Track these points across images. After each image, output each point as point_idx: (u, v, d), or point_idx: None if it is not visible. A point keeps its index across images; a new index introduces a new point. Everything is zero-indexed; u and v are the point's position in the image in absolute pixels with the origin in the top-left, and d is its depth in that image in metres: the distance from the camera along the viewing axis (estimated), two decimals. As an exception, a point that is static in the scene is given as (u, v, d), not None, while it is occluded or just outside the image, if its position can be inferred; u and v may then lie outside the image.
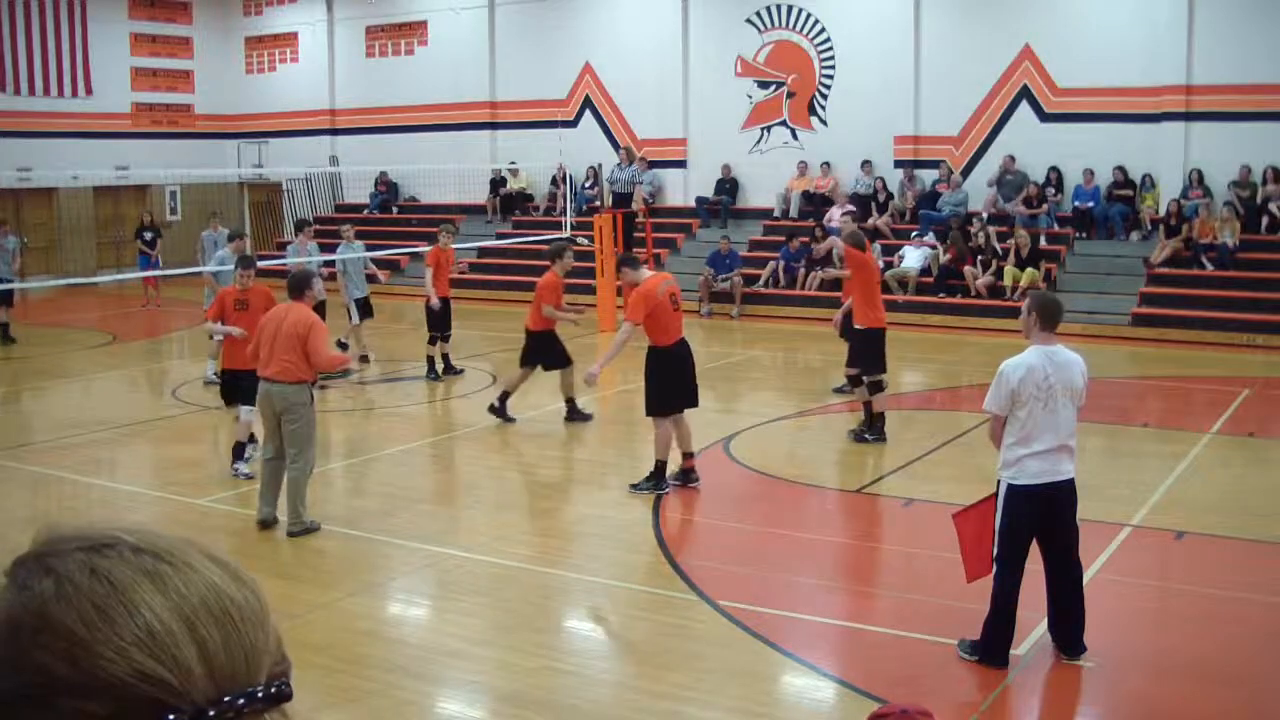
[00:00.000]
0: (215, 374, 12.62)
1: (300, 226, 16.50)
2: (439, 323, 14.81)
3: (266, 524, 8.84)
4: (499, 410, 12.33)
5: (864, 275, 11.38)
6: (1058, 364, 6.27)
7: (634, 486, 9.78)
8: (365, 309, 15.87)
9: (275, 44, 29.97)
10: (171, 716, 0.86)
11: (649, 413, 9.84)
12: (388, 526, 8.99)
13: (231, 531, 9.04)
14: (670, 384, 9.77)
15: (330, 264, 16.34)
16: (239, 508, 9.59)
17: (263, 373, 8.71)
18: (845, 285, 11.78)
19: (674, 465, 9.92)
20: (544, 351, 12.38)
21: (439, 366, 14.98)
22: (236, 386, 10.31)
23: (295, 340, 8.55)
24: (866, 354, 11.41)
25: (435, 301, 14.69)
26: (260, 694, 0.90)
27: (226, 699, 0.88)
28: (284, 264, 15.98)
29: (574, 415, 12.33)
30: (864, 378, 11.46)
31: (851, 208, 21.62)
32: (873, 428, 11.39)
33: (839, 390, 13.28)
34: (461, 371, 15.20)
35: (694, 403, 9.99)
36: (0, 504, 9.82)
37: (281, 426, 8.70)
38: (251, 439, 10.24)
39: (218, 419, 10.60)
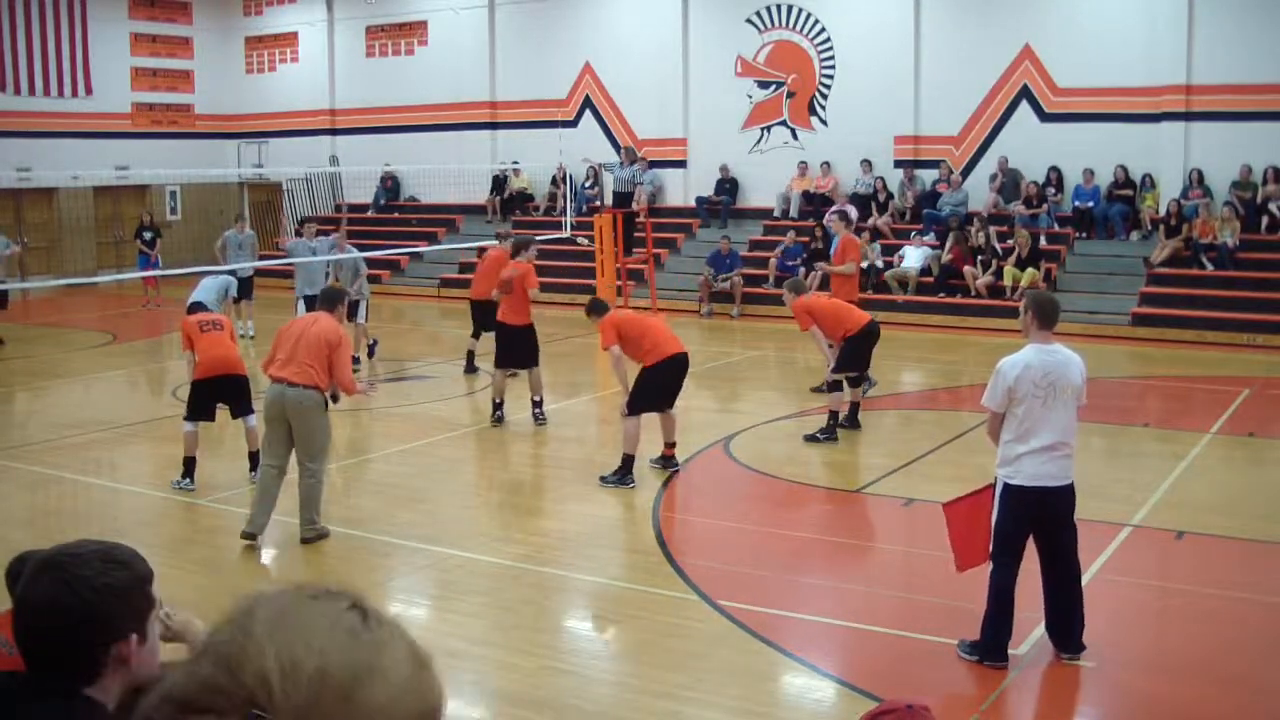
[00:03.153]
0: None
1: (304, 223, 16.59)
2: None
3: (252, 536, 8.45)
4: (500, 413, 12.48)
5: (819, 319, 11.54)
6: (1056, 362, 6.28)
7: (603, 479, 10.02)
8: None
9: (275, 44, 29.97)
10: None
11: (624, 412, 10.09)
12: (388, 526, 8.99)
13: (231, 533, 9.02)
14: (651, 392, 10.16)
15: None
16: (241, 508, 9.59)
17: (278, 374, 8.24)
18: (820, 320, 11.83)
19: (656, 451, 10.47)
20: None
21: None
22: (210, 400, 9.87)
23: (322, 347, 8.21)
24: (841, 356, 11.62)
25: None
26: None
27: None
28: (290, 263, 15.98)
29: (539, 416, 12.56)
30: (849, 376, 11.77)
31: (850, 206, 21.67)
32: (827, 427, 11.57)
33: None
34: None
35: (669, 405, 10.37)
36: (0, 504, 9.82)
37: (294, 434, 8.28)
38: (186, 473, 9.98)
39: (218, 419, 10.58)
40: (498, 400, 12.47)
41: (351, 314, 16.06)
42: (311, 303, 14.97)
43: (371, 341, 16.57)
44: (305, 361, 8.17)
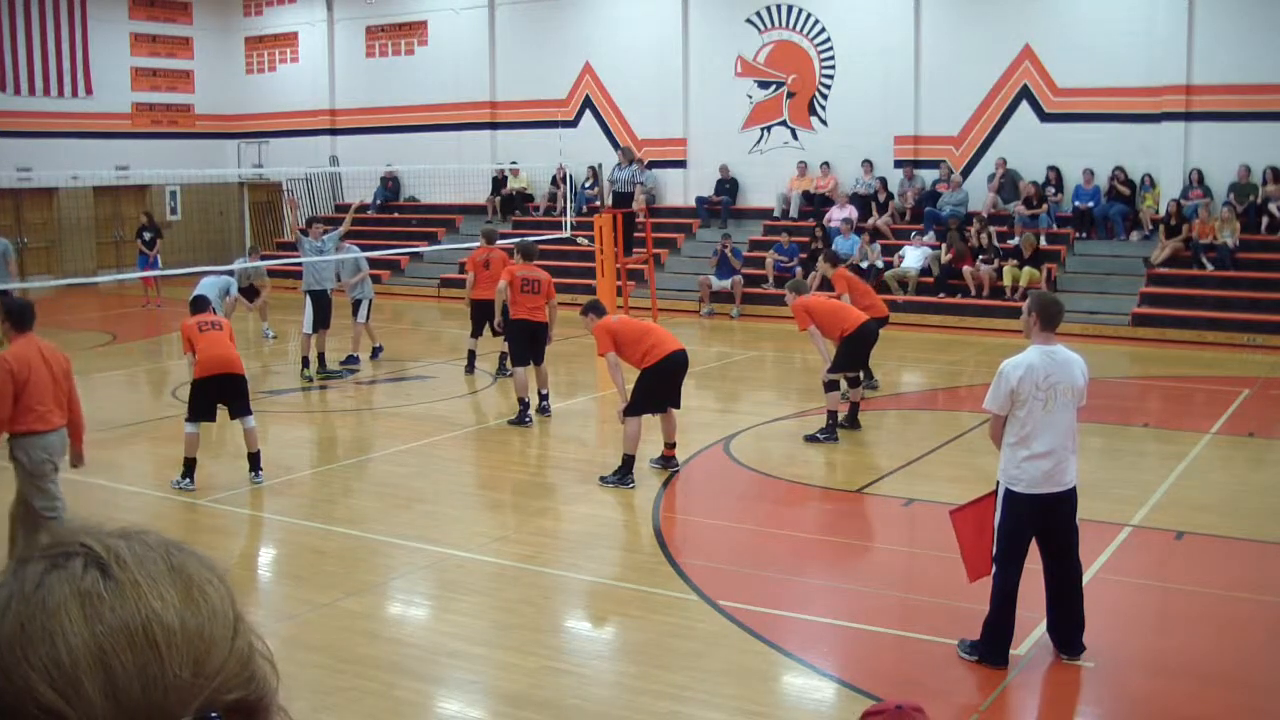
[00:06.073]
0: None
1: (311, 222, 16.44)
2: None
3: None
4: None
5: (817, 319, 11.59)
6: (1058, 363, 6.27)
7: (603, 479, 10.10)
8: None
9: (275, 44, 29.97)
10: None
11: (625, 413, 10.13)
12: (388, 526, 8.99)
13: (230, 533, 9.04)
14: (652, 393, 10.21)
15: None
16: (239, 508, 9.60)
17: (48, 425, 7.36)
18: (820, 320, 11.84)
19: (656, 451, 10.58)
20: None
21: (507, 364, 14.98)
22: (210, 399, 9.86)
23: (67, 380, 7.45)
24: (838, 356, 11.66)
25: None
26: None
27: None
28: (299, 263, 15.87)
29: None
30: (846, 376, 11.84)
31: (850, 206, 21.72)
32: (826, 427, 11.60)
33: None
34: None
35: (676, 405, 10.45)
36: (0, 504, 9.80)
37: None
38: (186, 473, 9.98)
39: (218, 419, 10.58)
40: (526, 400, 12.53)
41: (353, 312, 16.08)
42: (318, 299, 14.97)
43: (377, 346, 16.56)
44: (62, 403, 7.43)
